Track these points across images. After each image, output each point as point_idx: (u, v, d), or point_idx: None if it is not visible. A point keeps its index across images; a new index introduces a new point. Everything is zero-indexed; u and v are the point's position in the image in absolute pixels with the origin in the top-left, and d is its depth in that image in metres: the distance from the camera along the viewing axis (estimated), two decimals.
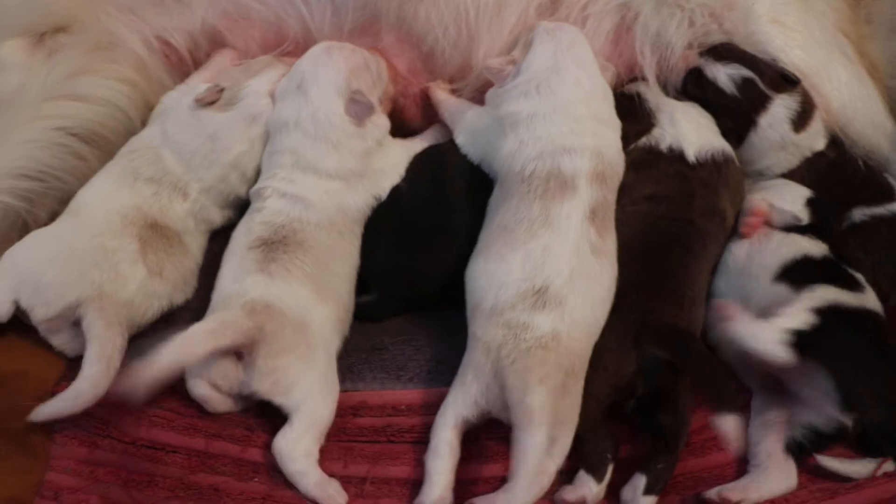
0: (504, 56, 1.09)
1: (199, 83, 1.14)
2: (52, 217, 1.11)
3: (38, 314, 0.97)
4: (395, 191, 1.09)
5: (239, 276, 0.98)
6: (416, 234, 1.06)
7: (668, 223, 1.04)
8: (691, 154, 1.09)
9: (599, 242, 0.95)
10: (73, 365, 0.96)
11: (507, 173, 1.02)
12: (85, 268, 0.98)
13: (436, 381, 0.99)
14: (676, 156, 1.09)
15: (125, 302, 0.98)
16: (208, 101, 1.09)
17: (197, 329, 0.89)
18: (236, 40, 1.19)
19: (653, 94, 1.17)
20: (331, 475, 0.90)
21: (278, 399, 0.92)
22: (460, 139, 1.11)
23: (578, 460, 0.90)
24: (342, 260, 1.04)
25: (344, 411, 0.96)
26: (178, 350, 0.87)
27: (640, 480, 0.89)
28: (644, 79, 1.19)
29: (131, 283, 1.00)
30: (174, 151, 1.09)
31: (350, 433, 0.95)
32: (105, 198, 1.05)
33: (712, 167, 1.09)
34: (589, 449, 0.90)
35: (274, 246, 1.00)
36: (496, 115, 1.06)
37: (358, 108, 1.07)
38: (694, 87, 1.17)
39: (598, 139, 1.02)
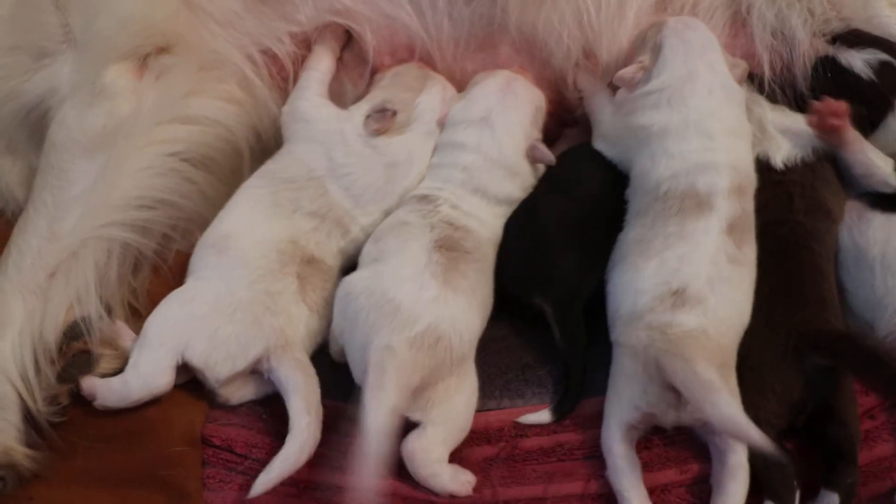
0: (634, 64, 1.04)
1: (360, 106, 1.08)
2: (161, 245, 1.07)
3: (221, 371, 0.90)
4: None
5: (420, 281, 0.90)
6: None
7: (777, 228, 1.01)
8: (779, 161, 1.07)
9: (737, 253, 0.94)
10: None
11: (640, 188, 1.00)
12: (259, 314, 0.92)
13: (594, 391, 0.94)
14: (764, 165, 1.06)
15: (301, 345, 0.94)
16: (384, 129, 1.04)
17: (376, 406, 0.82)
18: (344, 51, 1.14)
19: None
20: (506, 500, 0.88)
21: (416, 416, 0.88)
22: (598, 145, 1.09)
23: (763, 489, 0.86)
24: (491, 276, 1.00)
25: (508, 432, 0.93)
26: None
27: (831, 498, 0.86)
28: (762, 73, 1.14)
29: (300, 324, 0.95)
30: (344, 186, 1.03)
31: (519, 458, 0.92)
32: (256, 231, 0.99)
33: (803, 169, 1.07)
34: (773, 477, 0.86)
35: (454, 254, 0.95)
36: (628, 125, 1.04)
37: (537, 153, 1.06)
38: (826, 77, 1.13)
39: (733, 154, 0.99)
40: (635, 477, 0.86)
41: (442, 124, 1.07)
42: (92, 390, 0.91)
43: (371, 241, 0.99)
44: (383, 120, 1.05)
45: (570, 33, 1.10)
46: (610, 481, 0.86)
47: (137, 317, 1.02)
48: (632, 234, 0.97)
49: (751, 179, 1.00)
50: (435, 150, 1.07)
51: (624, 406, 0.87)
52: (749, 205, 0.98)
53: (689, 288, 0.89)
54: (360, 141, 1.05)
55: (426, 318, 0.88)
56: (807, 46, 1.15)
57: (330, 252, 1.01)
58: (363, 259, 0.98)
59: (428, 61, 1.14)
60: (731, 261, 0.92)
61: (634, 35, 1.11)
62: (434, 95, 1.09)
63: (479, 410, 0.94)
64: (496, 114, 1.05)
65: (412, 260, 0.93)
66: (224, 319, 0.91)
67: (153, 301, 1.03)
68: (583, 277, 0.98)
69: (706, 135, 0.99)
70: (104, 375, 0.93)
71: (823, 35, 1.16)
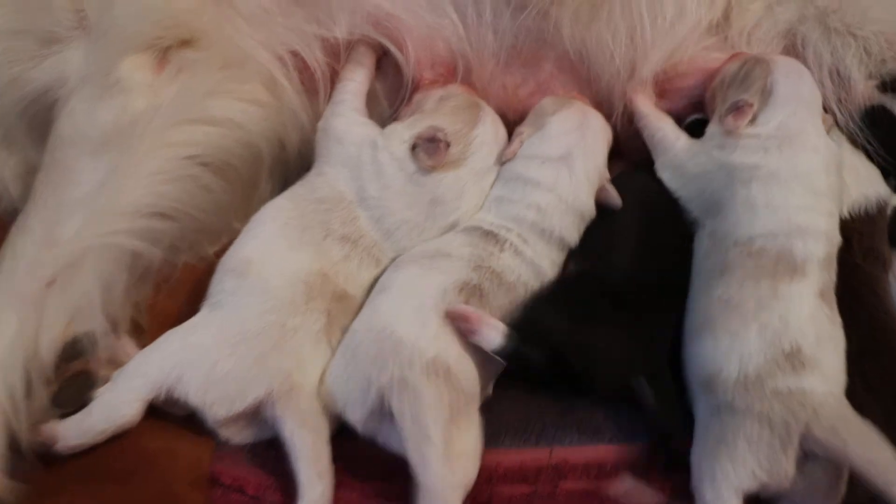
0: (745, 105, 0.96)
1: (401, 131, 0.96)
2: (168, 256, 0.97)
3: (217, 412, 0.80)
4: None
5: (422, 318, 0.82)
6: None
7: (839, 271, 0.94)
8: (844, 211, 1.00)
9: (832, 313, 0.87)
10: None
11: (726, 237, 0.91)
12: (265, 351, 0.81)
13: (635, 438, 0.87)
14: None
15: (312, 393, 0.82)
16: (439, 163, 0.93)
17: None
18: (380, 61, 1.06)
19: None
20: None
21: None
22: (665, 175, 0.99)
23: None
24: None
25: (548, 472, 0.85)
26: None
27: None
28: None
29: (317, 367, 0.84)
30: (374, 218, 0.93)
31: (559, 499, 0.84)
32: (283, 257, 0.88)
33: (865, 220, 1.01)
34: None
35: (473, 301, 0.85)
36: (723, 162, 0.94)
37: (607, 196, 0.97)
38: (875, 127, 1.07)
39: (831, 220, 0.92)
40: None
41: (503, 162, 0.98)
42: (52, 433, 0.79)
43: (392, 268, 0.89)
44: (437, 153, 0.93)
45: (621, 50, 1.03)
46: None
47: (139, 333, 0.92)
48: (717, 292, 0.87)
49: (837, 247, 0.92)
50: (498, 181, 0.98)
51: (744, 473, 0.80)
52: (834, 273, 0.91)
53: (803, 349, 0.82)
54: (402, 175, 0.94)
55: (432, 350, 0.79)
56: (861, 88, 1.09)
57: (360, 286, 0.90)
58: (376, 286, 0.88)
59: (467, 76, 1.06)
60: (830, 321, 0.86)
61: (728, 67, 1.03)
62: (489, 128, 0.99)
63: (511, 447, 0.85)
64: (577, 154, 0.96)
65: (419, 296, 0.84)
66: (224, 353, 0.81)
67: (155, 317, 0.95)
68: (662, 342, 0.88)
69: (813, 192, 0.91)
70: None
71: (874, 78, 1.10)
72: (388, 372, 0.78)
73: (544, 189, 0.94)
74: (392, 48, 1.04)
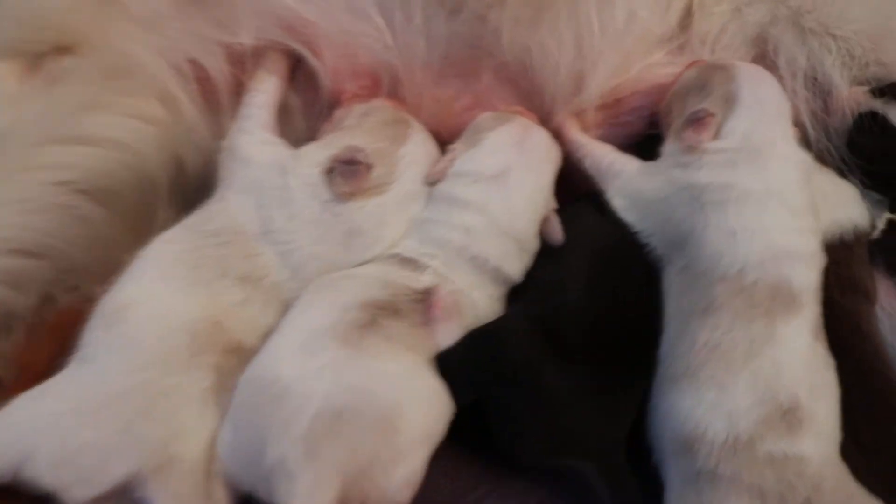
0: (707, 116, 0.82)
1: (315, 152, 0.82)
2: (40, 301, 0.83)
3: (76, 495, 0.64)
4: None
5: (310, 347, 0.68)
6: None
7: None
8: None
9: (826, 355, 0.75)
10: None
11: (706, 273, 0.76)
12: (132, 418, 0.66)
13: None
14: None
15: (194, 468, 0.67)
16: (358, 190, 0.79)
17: None
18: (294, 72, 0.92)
19: None
20: None
21: None
22: (619, 204, 0.85)
23: None
24: None
25: None
26: None
27: None
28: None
29: (199, 438, 0.69)
30: (281, 254, 0.78)
31: None
32: (163, 301, 0.73)
33: (840, 248, 0.89)
34: None
35: (384, 314, 0.72)
36: (687, 183, 0.80)
37: (550, 228, 0.84)
38: (866, 136, 0.94)
39: (816, 239, 0.79)
40: None
41: (431, 183, 0.84)
42: None
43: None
44: (356, 177, 0.79)
45: (567, 60, 0.90)
46: None
47: (4, 392, 0.77)
48: (701, 336, 0.73)
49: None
50: (426, 204, 0.84)
51: None
52: (820, 304, 0.78)
53: (800, 401, 0.69)
54: (315, 204, 0.79)
55: (319, 392, 0.65)
56: (845, 96, 0.98)
57: (262, 335, 0.75)
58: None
59: (395, 88, 0.92)
60: (825, 364, 0.74)
61: (685, 76, 0.91)
62: (418, 147, 0.85)
63: None
64: (514, 172, 0.82)
65: (309, 322, 0.70)
66: (83, 421, 0.66)
67: (26, 372, 0.79)
68: (621, 414, 0.74)
69: (791, 210, 0.78)
70: None
71: (861, 83, 0.98)
72: (273, 438, 0.64)
73: (473, 210, 0.80)
74: (307, 55, 0.90)
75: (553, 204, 0.85)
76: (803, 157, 0.84)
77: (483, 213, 0.80)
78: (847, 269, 0.87)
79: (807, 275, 0.76)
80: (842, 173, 0.96)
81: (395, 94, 0.92)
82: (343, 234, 0.80)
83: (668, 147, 0.85)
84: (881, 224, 0.94)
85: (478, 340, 0.74)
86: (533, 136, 0.86)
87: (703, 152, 0.81)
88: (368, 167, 0.80)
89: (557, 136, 0.92)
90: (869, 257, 0.92)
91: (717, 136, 0.82)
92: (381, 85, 0.92)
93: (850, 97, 0.96)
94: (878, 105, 0.94)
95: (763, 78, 0.88)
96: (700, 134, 0.81)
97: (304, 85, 0.92)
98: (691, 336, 0.74)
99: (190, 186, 0.92)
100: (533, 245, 0.83)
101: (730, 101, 0.83)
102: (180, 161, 0.91)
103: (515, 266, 0.81)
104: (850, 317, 0.84)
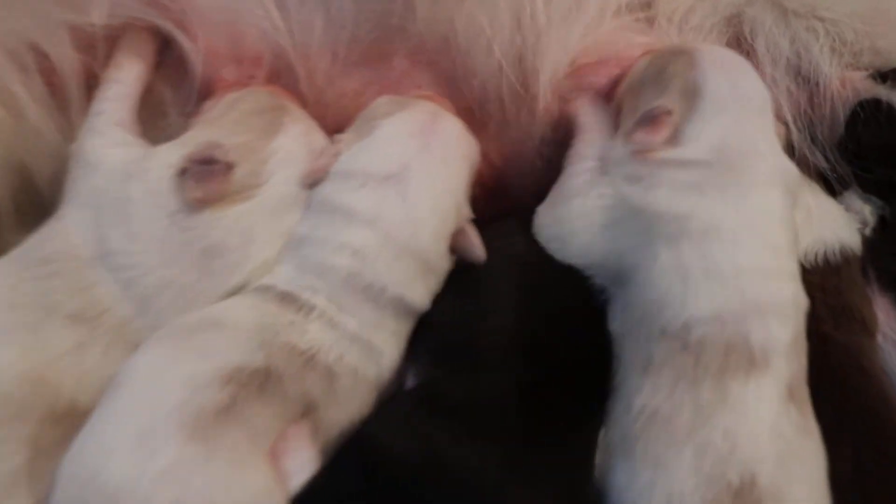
0: (661, 113, 0.65)
1: (167, 153, 0.65)
2: None
3: None
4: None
5: (151, 443, 0.51)
6: None
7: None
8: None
9: (803, 421, 0.59)
10: None
11: (648, 320, 0.60)
12: None
13: None
14: None
15: None
16: (215, 196, 0.62)
17: None
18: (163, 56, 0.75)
19: None
20: None
21: None
22: (543, 220, 0.69)
23: None
24: None
25: None
26: None
27: None
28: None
29: None
30: (123, 282, 0.62)
31: None
32: None
33: (827, 272, 0.73)
34: None
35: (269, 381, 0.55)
36: (636, 206, 0.63)
37: (466, 243, 0.66)
38: (868, 129, 0.78)
39: (796, 282, 0.63)
40: None
41: (311, 184, 0.67)
42: None
43: (134, 353, 0.58)
44: (210, 178, 0.62)
45: (502, 37, 0.72)
46: None
47: None
48: (637, 400, 0.58)
49: (805, 315, 0.63)
50: (303, 214, 0.66)
51: None
52: (804, 355, 0.62)
53: (757, 478, 0.53)
54: (161, 216, 0.63)
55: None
56: (836, 86, 0.82)
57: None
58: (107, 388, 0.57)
59: (289, 78, 0.75)
60: (801, 432, 0.57)
61: (637, 66, 0.74)
62: (296, 140, 0.68)
63: None
64: (415, 171, 0.64)
65: (152, 403, 0.53)
66: None
67: None
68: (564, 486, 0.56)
69: (771, 249, 0.61)
70: None
71: (859, 69, 0.82)
72: None
73: (363, 222, 0.63)
74: (178, 35, 0.73)
75: (468, 212, 0.68)
76: (790, 170, 0.67)
77: (375, 227, 0.62)
78: (838, 296, 0.72)
79: (778, 331, 0.59)
80: (828, 179, 0.81)
81: (291, 85, 0.75)
82: (199, 254, 0.62)
83: (616, 152, 0.68)
84: (870, 220, 0.78)
85: (346, 466, 0.56)
86: (441, 126, 0.68)
87: (660, 165, 0.63)
88: (228, 166, 0.63)
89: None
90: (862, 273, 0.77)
91: (675, 140, 0.64)
92: (271, 73, 0.75)
93: (846, 83, 0.80)
94: (881, 92, 0.79)
95: (734, 64, 0.71)
96: (652, 135, 0.64)
97: (175, 72, 0.75)
98: (626, 398, 0.59)
99: (42, 203, 0.75)
100: (442, 265, 0.66)
101: (691, 96, 0.66)
102: (26, 172, 0.74)
103: (421, 292, 0.64)
104: (848, 354, 0.69)
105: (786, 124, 0.79)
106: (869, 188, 0.80)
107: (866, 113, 0.78)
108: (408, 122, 0.67)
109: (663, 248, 0.61)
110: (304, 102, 0.75)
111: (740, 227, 0.61)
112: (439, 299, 0.65)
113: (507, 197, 0.77)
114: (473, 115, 0.74)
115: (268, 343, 0.58)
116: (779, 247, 0.62)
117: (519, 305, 0.64)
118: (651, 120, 0.65)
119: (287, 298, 0.61)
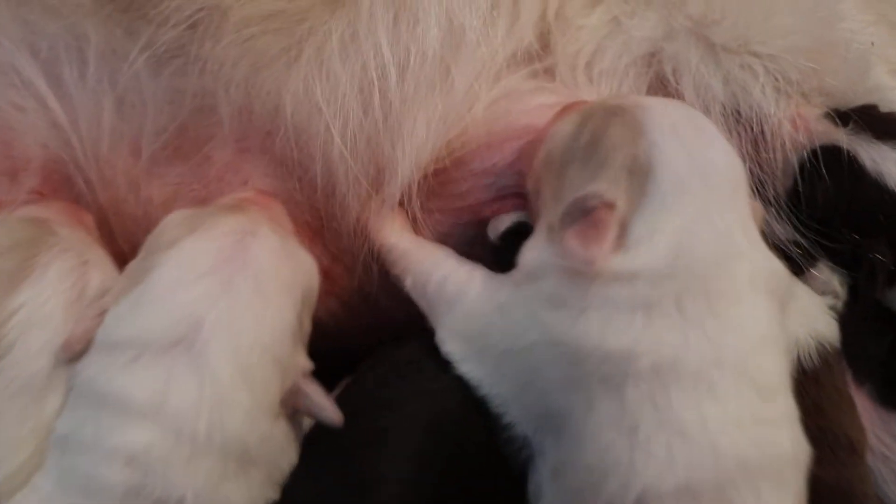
0: (600, 205, 0.46)
1: None
2: None
3: None
4: None
5: None
6: None
7: None
8: None
9: None
10: None
11: (584, 489, 0.43)
12: None
13: None
14: None
15: None
16: None
17: None
18: None
19: None
20: None
21: None
22: (453, 348, 0.50)
23: None
24: None
25: None
26: None
27: None
28: None
29: None
30: None
31: None
32: None
33: (803, 381, 0.56)
34: None
35: None
36: (562, 339, 0.45)
37: (306, 404, 0.48)
38: (825, 184, 0.62)
39: (795, 429, 0.45)
40: None
41: (72, 355, 0.48)
42: None
43: None
44: None
45: (347, 112, 0.54)
46: None
47: None
48: None
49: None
50: (67, 404, 0.47)
51: None
52: None
53: None
54: None
55: None
56: (787, 129, 0.66)
57: None
58: None
59: (78, 189, 0.57)
60: None
61: (556, 131, 0.54)
62: (52, 286, 0.49)
63: None
64: (212, 326, 0.46)
65: None
66: None
67: None
68: None
69: (759, 391, 0.44)
70: None
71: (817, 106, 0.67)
72: None
73: (139, 414, 0.44)
74: None
75: (305, 363, 0.49)
76: (776, 270, 0.48)
77: (159, 419, 0.43)
78: (820, 415, 0.56)
79: (776, 499, 0.42)
80: (784, 249, 0.64)
81: (78, 198, 0.57)
82: None
83: (539, 256, 0.49)
84: (841, 292, 0.63)
85: None
86: (249, 251, 0.48)
87: (594, 279, 0.45)
88: None
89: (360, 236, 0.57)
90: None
91: (621, 241, 0.46)
92: (56, 183, 0.57)
93: (799, 125, 0.64)
94: (841, 138, 0.63)
95: (692, 126, 0.51)
96: (592, 247, 0.45)
97: None
98: None
99: None
100: (268, 449, 0.47)
101: (640, 177, 0.47)
102: None
103: (240, 495, 0.45)
104: (837, 494, 0.55)
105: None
106: (833, 256, 0.64)
107: (826, 164, 0.62)
108: (200, 253, 0.47)
109: (599, 395, 0.43)
110: (101, 218, 0.57)
111: (709, 363, 0.43)
112: (301, 473, 0.48)
113: (376, 310, 0.59)
114: (318, 213, 0.56)
115: None
116: (766, 383, 0.44)
117: (413, 475, 0.46)
118: (586, 219, 0.46)
119: None
